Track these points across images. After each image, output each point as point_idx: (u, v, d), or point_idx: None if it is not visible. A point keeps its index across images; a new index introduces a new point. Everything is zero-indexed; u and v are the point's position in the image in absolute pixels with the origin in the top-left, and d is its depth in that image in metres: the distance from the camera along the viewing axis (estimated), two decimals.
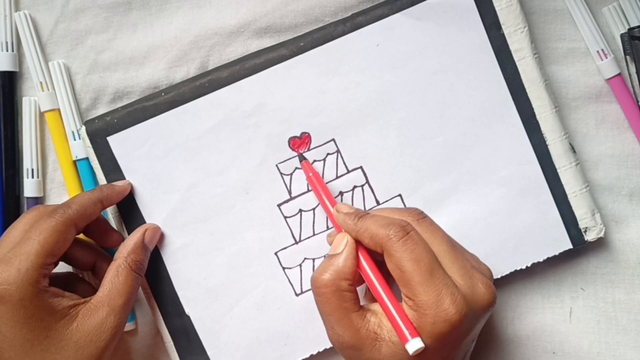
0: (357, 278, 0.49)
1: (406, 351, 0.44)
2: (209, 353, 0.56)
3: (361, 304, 0.48)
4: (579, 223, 0.55)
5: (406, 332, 0.44)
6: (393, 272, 0.46)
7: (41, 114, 0.58)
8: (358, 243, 0.49)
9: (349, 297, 0.47)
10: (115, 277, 0.51)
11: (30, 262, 0.47)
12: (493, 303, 0.47)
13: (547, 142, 0.55)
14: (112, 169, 0.55)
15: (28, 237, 0.48)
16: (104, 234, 0.55)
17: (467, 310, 0.44)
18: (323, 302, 0.47)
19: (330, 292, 0.47)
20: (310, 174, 0.54)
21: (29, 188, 0.57)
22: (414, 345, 0.44)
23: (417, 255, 0.45)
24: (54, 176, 0.58)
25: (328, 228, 0.55)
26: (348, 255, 0.48)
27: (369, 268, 0.48)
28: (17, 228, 0.50)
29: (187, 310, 0.56)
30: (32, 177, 0.57)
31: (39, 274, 0.48)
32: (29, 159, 0.57)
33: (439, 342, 0.44)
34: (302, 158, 0.55)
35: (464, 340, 0.46)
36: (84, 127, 0.55)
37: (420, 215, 0.49)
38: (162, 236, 0.55)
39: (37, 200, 0.58)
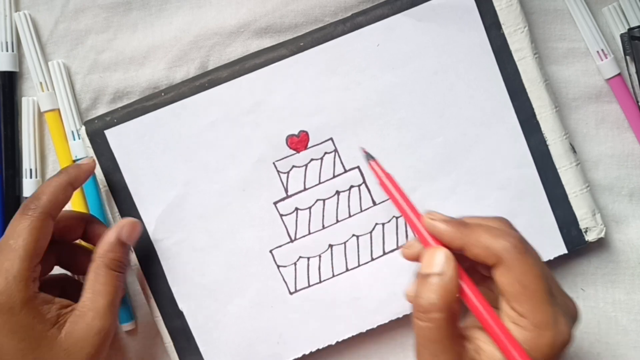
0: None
1: None
2: (201, 350, 0.56)
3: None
4: (580, 223, 0.55)
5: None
6: (510, 286, 0.42)
7: (41, 114, 0.58)
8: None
9: (456, 323, 0.43)
10: (95, 279, 0.50)
11: (17, 269, 0.47)
12: (579, 319, 0.45)
13: (547, 142, 0.55)
14: (112, 169, 0.55)
15: (6, 244, 0.47)
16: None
17: (572, 333, 0.42)
18: (432, 329, 0.42)
19: (444, 317, 0.42)
20: (382, 176, 0.49)
21: (29, 188, 0.58)
22: None
23: (538, 272, 0.42)
24: None
25: (324, 227, 0.55)
26: (454, 274, 0.43)
27: (468, 287, 0.43)
28: None
29: (181, 306, 0.56)
30: (32, 177, 0.58)
31: (27, 279, 0.47)
32: (28, 159, 0.58)
33: None
34: (369, 156, 0.51)
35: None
36: (83, 127, 0.55)
37: (513, 226, 0.46)
38: (158, 232, 0.55)
39: None
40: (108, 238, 0.51)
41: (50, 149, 0.58)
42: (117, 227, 0.52)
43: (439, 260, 0.43)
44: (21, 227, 0.48)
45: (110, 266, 0.50)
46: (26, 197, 0.58)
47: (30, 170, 0.58)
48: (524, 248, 0.42)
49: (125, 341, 0.59)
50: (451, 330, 0.42)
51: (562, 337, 0.41)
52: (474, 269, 0.46)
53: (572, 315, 0.44)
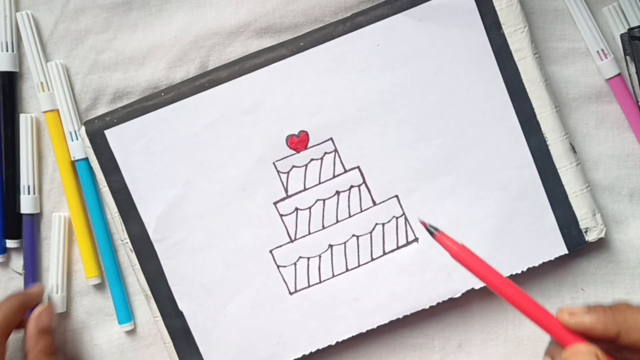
0: None
1: None
2: (201, 350, 0.56)
3: None
4: (580, 223, 0.55)
5: None
6: None
7: (39, 129, 0.58)
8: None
9: None
10: None
11: None
12: None
13: (547, 142, 0.55)
14: (112, 169, 0.55)
15: None
16: None
17: None
18: None
19: None
20: (472, 262, 0.41)
21: (26, 204, 0.58)
22: None
23: None
24: (54, 176, 0.58)
25: (324, 227, 0.55)
26: None
27: None
28: None
29: (181, 306, 0.56)
30: (29, 193, 0.57)
31: None
32: (25, 175, 0.57)
33: None
34: (433, 230, 0.42)
35: None
36: (83, 127, 0.55)
37: None
38: (157, 232, 0.55)
39: (33, 217, 0.58)
40: (30, 332, 0.53)
41: (50, 150, 0.58)
42: (35, 319, 0.54)
43: None
44: None
45: (46, 352, 0.53)
46: (24, 214, 0.58)
47: (28, 186, 0.58)
48: None
49: (125, 341, 0.59)
50: None
51: None
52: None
53: None
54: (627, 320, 0.40)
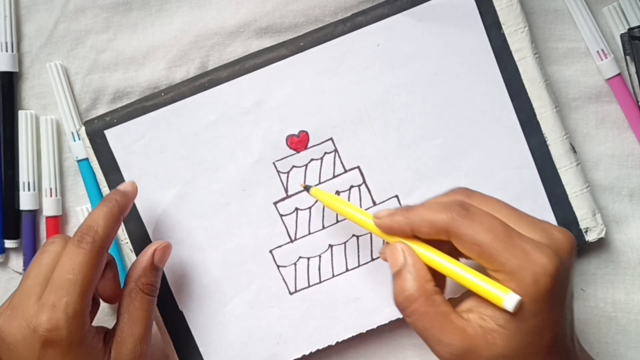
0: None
1: (522, 328, 0.41)
2: (201, 350, 0.56)
3: None
4: (580, 223, 0.55)
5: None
6: (470, 252, 0.43)
7: (38, 124, 0.58)
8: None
9: (441, 300, 0.43)
10: (130, 304, 0.50)
11: (77, 304, 0.46)
12: (574, 243, 0.44)
13: (547, 143, 0.55)
14: (112, 169, 0.55)
15: (66, 278, 0.47)
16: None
17: (557, 258, 0.42)
18: (418, 320, 0.43)
19: (422, 303, 0.43)
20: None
21: (25, 201, 0.58)
22: (511, 300, 0.41)
23: (488, 226, 0.42)
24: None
25: (324, 227, 0.55)
26: (414, 259, 0.44)
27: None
28: (44, 263, 0.49)
29: (181, 306, 0.56)
30: (29, 190, 0.57)
31: (85, 315, 0.47)
32: (25, 171, 0.57)
33: (546, 302, 0.41)
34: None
35: (567, 292, 0.43)
36: (83, 127, 0.55)
37: (468, 191, 0.47)
38: (157, 232, 0.55)
39: (33, 214, 0.58)
40: (142, 262, 0.52)
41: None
42: (150, 251, 0.52)
43: (395, 256, 0.45)
44: (79, 262, 0.47)
45: (145, 290, 0.51)
46: (23, 210, 0.58)
47: (28, 183, 0.57)
48: (466, 212, 0.43)
49: None
50: (439, 309, 0.43)
51: (542, 269, 0.41)
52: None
53: (553, 240, 0.43)
54: (415, 219, 0.44)
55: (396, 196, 0.55)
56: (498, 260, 0.42)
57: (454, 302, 0.44)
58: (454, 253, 0.44)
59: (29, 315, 0.46)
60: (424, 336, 0.44)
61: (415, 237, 0.45)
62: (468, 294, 0.44)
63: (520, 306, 0.41)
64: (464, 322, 0.42)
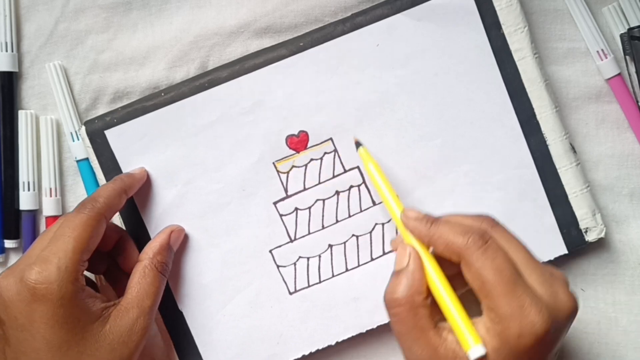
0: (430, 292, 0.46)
1: None
2: (200, 350, 0.56)
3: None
4: (580, 223, 0.55)
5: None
6: (472, 282, 0.44)
7: (38, 123, 0.58)
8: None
9: (424, 314, 0.44)
10: (142, 278, 0.51)
11: (69, 259, 0.47)
12: (576, 310, 0.44)
13: (547, 143, 0.55)
14: (112, 169, 0.55)
15: (61, 234, 0.48)
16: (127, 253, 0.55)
17: (551, 321, 0.42)
18: (397, 322, 0.45)
19: (405, 310, 0.45)
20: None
21: (25, 201, 0.58)
22: (476, 352, 0.42)
23: (498, 265, 0.43)
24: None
25: (324, 227, 0.55)
26: (416, 268, 0.46)
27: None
28: (50, 231, 0.50)
29: (181, 306, 0.56)
30: (29, 190, 0.57)
31: (77, 271, 0.47)
32: (25, 171, 0.57)
33: (525, 356, 0.42)
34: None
35: (550, 353, 0.44)
36: (83, 127, 0.55)
37: (494, 222, 0.47)
38: (157, 231, 0.55)
39: (33, 214, 0.58)
40: (158, 241, 0.53)
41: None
42: (167, 232, 0.53)
43: (402, 257, 0.47)
44: (77, 221, 0.48)
45: (158, 268, 0.52)
46: (23, 210, 0.58)
47: (28, 183, 0.58)
48: (483, 243, 0.44)
49: None
50: (419, 322, 0.44)
51: (530, 327, 0.42)
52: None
53: (556, 301, 0.44)
54: (436, 233, 0.46)
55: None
56: (494, 301, 0.43)
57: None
58: (461, 275, 0.45)
59: (22, 269, 0.47)
60: (398, 339, 0.45)
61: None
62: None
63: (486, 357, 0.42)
64: (438, 341, 0.44)
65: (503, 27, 0.54)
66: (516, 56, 0.55)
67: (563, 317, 0.44)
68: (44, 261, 0.47)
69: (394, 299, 0.45)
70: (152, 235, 0.55)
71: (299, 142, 0.55)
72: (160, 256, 0.52)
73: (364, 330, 0.56)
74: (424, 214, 0.48)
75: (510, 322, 0.42)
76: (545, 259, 0.55)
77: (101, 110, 0.58)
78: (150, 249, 0.52)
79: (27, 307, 0.46)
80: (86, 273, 0.54)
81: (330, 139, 0.55)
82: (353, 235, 0.55)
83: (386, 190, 0.50)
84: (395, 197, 0.50)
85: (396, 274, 0.46)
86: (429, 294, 0.45)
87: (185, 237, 0.55)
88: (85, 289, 0.48)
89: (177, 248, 0.54)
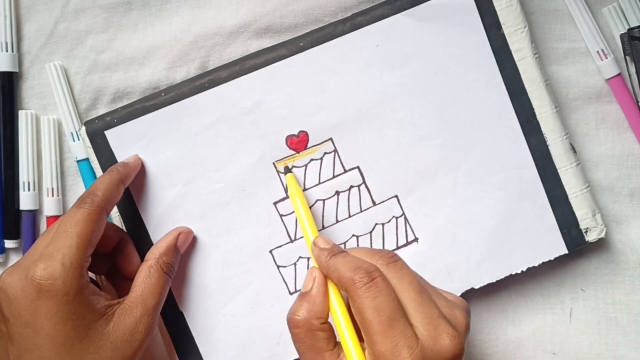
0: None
1: None
2: (201, 350, 0.56)
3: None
4: (580, 223, 0.55)
5: None
6: (356, 317, 0.45)
7: (38, 124, 0.58)
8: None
9: (322, 337, 0.46)
10: (147, 278, 0.51)
11: (73, 254, 0.47)
12: (458, 356, 0.44)
13: (547, 143, 0.55)
14: None
15: (64, 231, 0.48)
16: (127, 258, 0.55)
17: None
18: (297, 341, 0.47)
19: (303, 332, 0.47)
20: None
21: (25, 201, 0.58)
22: None
23: (378, 304, 0.44)
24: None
25: (324, 227, 0.55)
26: (317, 293, 0.48)
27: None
28: (49, 232, 0.50)
29: (181, 306, 0.56)
30: (29, 189, 0.57)
31: (82, 267, 0.47)
32: (25, 171, 0.57)
33: None
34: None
35: None
36: (83, 127, 0.55)
37: (392, 259, 0.48)
38: (157, 232, 0.55)
39: (33, 214, 0.58)
40: (165, 242, 0.53)
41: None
42: (175, 233, 0.54)
43: (309, 280, 0.49)
44: (79, 217, 0.48)
45: (164, 268, 0.52)
46: (23, 210, 0.58)
47: (28, 183, 0.58)
48: (369, 280, 0.45)
49: None
50: (316, 344, 0.46)
51: None
52: None
53: (436, 342, 0.44)
54: (331, 265, 0.47)
55: (396, 196, 0.55)
56: (371, 338, 0.44)
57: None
58: None
59: (27, 266, 0.47)
60: (299, 354, 0.48)
61: None
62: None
63: None
64: None
65: (503, 27, 0.54)
66: (516, 56, 0.55)
67: (439, 358, 0.44)
68: (49, 257, 0.47)
69: (293, 319, 0.47)
70: (152, 236, 0.55)
71: (299, 142, 0.55)
72: (167, 257, 0.52)
73: None
74: (331, 245, 0.49)
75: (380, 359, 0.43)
76: (545, 259, 0.55)
77: (101, 110, 0.58)
78: (157, 249, 0.52)
79: (32, 303, 0.46)
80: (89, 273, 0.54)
81: (330, 139, 0.55)
82: (353, 235, 0.55)
83: (305, 216, 0.52)
84: (312, 224, 0.52)
85: (301, 296, 0.48)
86: (328, 317, 0.47)
87: None
88: (89, 286, 0.48)
89: (184, 250, 0.54)
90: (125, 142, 0.55)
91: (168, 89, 0.55)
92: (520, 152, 0.55)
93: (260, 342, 0.56)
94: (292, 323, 0.47)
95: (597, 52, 0.57)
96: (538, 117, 0.55)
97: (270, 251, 0.56)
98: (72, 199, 0.58)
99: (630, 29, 0.56)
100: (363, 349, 0.45)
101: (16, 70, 0.58)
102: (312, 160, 0.55)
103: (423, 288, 0.47)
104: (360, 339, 0.46)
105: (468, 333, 0.47)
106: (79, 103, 0.58)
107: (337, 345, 0.47)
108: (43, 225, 0.58)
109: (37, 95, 0.58)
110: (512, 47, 0.54)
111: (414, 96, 0.55)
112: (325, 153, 0.55)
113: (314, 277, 0.48)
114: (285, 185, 0.55)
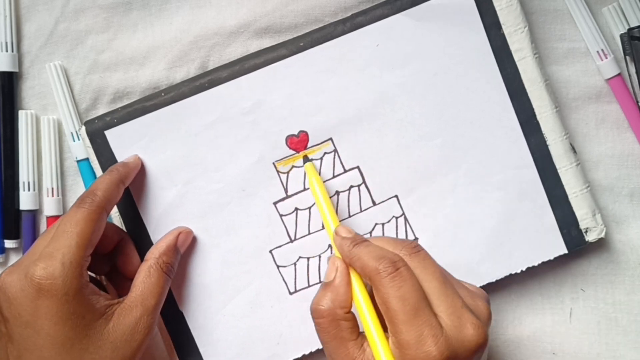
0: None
1: None
2: (201, 350, 0.56)
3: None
4: (580, 223, 0.55)
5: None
6: (380, 306, 0.45)
7: (38, 124, 0.58)
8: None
9: (346, 326, 0.46)
10: (147, 277, 0.51)
11: (73, 254, 0.47)
12: (482, 345, 0.45)
13: (547, 143, 0.55)
14: None
15: (64, 231, 0.48)
16: (127, 257, 0.55)
17: (449, 352, 0.43)
18: (320, 331, 0.47)
19: (327, 322, 0.47)
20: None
21: (25, 201, 0.58)
22: None
23: (403, 293, 0.44)
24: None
25: (323, 227, 0.55)
26: (341, 283, 0.48)
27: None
28: (49, 232, 0.50)
29: (181, 306, 0.56)
30: (29, 190, 0.58)
31: (82, 267, 0.47)
32: (25, 171, 0.57)
33: None
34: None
35: None
36: (83, 127, 0.55)
37: (415, 249, 0.48)
38: (157, 232, 0.55)
39: (33, 214, 0.58)
40: (165, 242, 0.53)
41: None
42: (175, 233, 0.54)
43: (331, 270, 0.48)
44: (79, 217, 0.48)
45: (163, 268, 0.52)
46: (23, 210, 0.58)
47: (28, 183, 0.58)
48: (393, 270, 0.45)
49: None
50: (339, 333, 0.46)
51: (424, 356, 0.43)
52: None
53: (460, 333, 0.44)
54: (354, 254, 0.47)
55: (396, 196, 0.55)
56: (396, 327, 0.44)
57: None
58: None
59: (27, 265, 0.47)
60: (322, 344, 0.48)
61: None
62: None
63: None
64: (357, 352, 0.46)
65: (503, 27, 0.54)
66: (516, 56, 0.55)
67: (465, 350, 0.44)
68: (48, 257, 0.47)
69: (317, 309, 0.47)
70: (152, 236, 0.55)
71: (299, 142, 0.55)
72: (166, 257, 0.52)
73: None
74: (353, 234, 0.49)
75: (407, 350, 0.43)
76: (545, 259, 0.55)
77: (101, 110, 0.58)
78: (157, 249, 0.52)
79: (32, 303, 0.46)
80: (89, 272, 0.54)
81: (330, 139, 0.55)
82: None
83: (325, 204, 0.52)
84: (332, 213, 0.52)
85: (324, 285, 0.48)
86: (352, 307, 0.47)
87: None
88: (89, 285, 0.48)
89: (184, 250, 0.54)
90: (125, 142, 0.55)
91: (168, 89, 0.55)
92: (520, 152, 0.55)
93: (260, 342, 0.56)
94: (316, 313, 0.47)
95: (597, 52, 0.57)
96: (538, 117, 0.55)
97: (270, 251, 0.56)
98: (72, 199, 0.58)
99: (630, 29, 0.56)
100: (386, 338, 0.45)
101: (16, 70, 0.58)
102: (311, 160, 0.55)
103: (446, 278, 0.47)
104: (384, 329, 0.46)
105: (490, 322, 0.47)
106: (79, 103, 0.58)
107: (360, 334, 0.47)
108: (43, 225, 0.58)
109: (37, 95, 0.58)
110: (512, 47, 0.54)
111: (414, 96, 0.55)
112: (325, 153, 0.55)
113: (337, 266, 0.48)
114: (285, 185, 0.55)
